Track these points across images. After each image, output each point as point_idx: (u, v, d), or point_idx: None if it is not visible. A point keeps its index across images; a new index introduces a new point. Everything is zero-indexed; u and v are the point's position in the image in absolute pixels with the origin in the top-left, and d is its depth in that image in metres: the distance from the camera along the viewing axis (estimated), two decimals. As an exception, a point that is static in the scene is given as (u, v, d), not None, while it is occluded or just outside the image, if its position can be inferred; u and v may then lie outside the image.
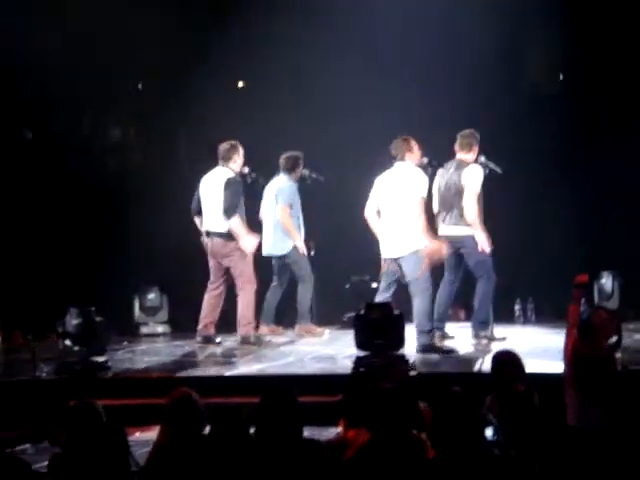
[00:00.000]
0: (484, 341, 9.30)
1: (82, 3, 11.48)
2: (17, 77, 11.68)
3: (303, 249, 10.16)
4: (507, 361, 5.98)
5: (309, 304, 10.28)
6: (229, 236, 9.65)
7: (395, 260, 9.02)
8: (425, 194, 8.99)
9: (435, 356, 8.72)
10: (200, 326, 9.85)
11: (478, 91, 12.18)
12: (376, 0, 11.92)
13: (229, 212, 9.56)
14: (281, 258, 10.29)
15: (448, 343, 9.21)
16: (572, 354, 6.08)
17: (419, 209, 8.87)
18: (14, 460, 5.04)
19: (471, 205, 9.15)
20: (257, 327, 9.94)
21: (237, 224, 9.61)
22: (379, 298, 9.01)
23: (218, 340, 9.86)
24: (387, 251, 9.07)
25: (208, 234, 9.80)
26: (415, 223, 8.87)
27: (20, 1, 11.30)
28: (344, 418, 5.54)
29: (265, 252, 10.29)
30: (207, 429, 5.08)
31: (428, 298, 8.92)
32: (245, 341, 9.65)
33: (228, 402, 7.18)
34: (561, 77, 14.21)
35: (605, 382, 5.81)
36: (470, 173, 9.25)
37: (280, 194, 10.20)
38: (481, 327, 9.35)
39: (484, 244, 9.15)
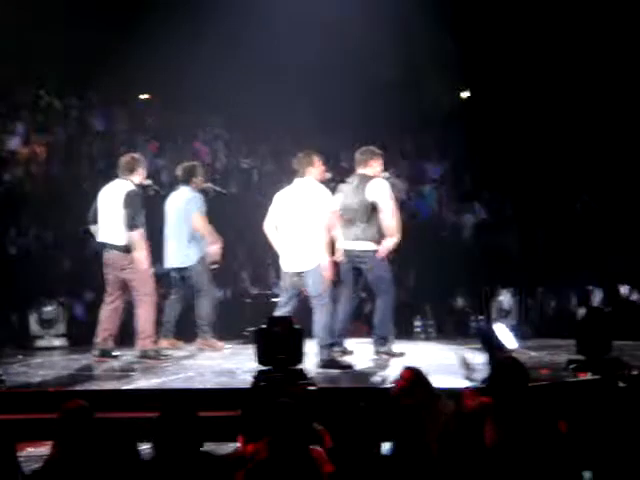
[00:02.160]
0: (384, 356, 9.34)
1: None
2: None
3: (217, 254, 10.11)
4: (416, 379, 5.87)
5: (210, 318, 10.20)
6: (126, 249, 9.50)
7: (297, 274, 9.00)
8: (334, 207, 8.99)
9: (335, 371, 8.71)
10: (97, 339, 9.69)
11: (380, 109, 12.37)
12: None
13: (132, 225, 9.44)
14: (181, 270, 10.19)
15: (348, 358, 9.21)
16: None
17: (330, 222, 8.87)
18: None
19: (389, 218, 9.20)
20: (156, 341, 9.82)
21: (138, 237, 9.50)
22: (279, 312, 8.98)
23: (115, 354, 9.71)
24: (289, 265, 9.04)
25: (104, 246, 9.62)
26: (318, 237, 8.86)
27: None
28: (242, 433, 5.50)
29: (167, 264, 10.20)
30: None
31: (329, 312, 8.91)
32: (144, 355, 9.52)
33: (126, 417, 7.09)
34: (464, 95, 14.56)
35: None
36: (374, 187, 9.27)
37: (189, 204, 10.10)
38: (381, 343, 9.39)
39: (386, 251, 9.20)
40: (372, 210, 9.27)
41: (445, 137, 16.11)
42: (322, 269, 8.83)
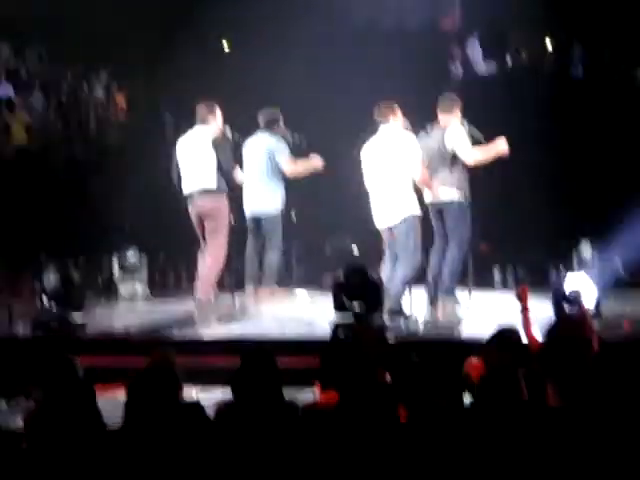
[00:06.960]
0: (451, 306, 9.04)
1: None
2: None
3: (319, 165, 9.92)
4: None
5: (276, 268, 9.89)
6: (216, 193, 9.25)
7: (390, 229, 8.88)
8: (420, 154, 8.82)
9: (413, 322, 8.64)
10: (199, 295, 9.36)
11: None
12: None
13: (227, 168, 9.32)
14: (259, 220, 9.89)
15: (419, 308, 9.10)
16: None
17: (419, 169, 8.79)
18: None
19: (470, 153, 8.94)
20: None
21: (240, 177, 9.57)
22: (385, 268, 8.86)
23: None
24: (380, 221, 8.91)
25: (191, 196, 9.32)
26: (408, 188, 8.74)
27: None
28: (319, 381, 5.54)
29: (248, 213, 9.91)
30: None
31: (412, 269, 8.80)
32: (203, 304, 9.21)
33: (207, 364, 7.20)
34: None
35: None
36: (451, 134, 8.99)
37: (276, 151, 9.78)
38: (449, 296, 9.06)
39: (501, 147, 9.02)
40: (453, 157, 9.08)
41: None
42: (413, 222, 8.72)
